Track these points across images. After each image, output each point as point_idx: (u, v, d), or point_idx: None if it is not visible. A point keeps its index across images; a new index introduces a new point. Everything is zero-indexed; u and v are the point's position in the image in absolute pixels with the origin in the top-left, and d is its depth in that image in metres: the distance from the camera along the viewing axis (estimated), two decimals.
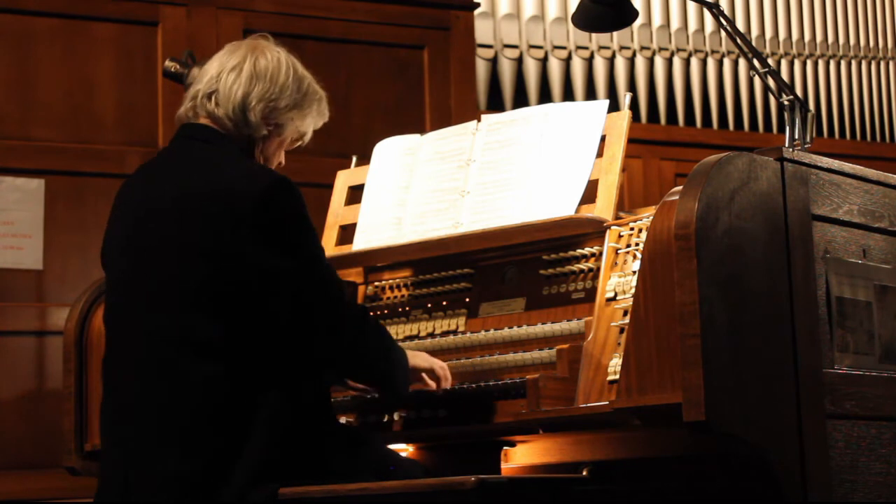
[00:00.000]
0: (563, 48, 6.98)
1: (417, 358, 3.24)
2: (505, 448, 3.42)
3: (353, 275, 3.90)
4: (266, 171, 3.05)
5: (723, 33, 7.29)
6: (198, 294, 2.91)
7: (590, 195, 3.48)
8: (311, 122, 3.21)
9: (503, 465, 3.42)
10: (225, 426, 2.87)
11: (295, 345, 2.98)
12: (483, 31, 6.73)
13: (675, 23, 7.33)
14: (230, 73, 3.09)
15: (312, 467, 2.95)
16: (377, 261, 3.83)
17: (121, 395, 3.00)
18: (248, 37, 3.24)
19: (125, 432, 2.97)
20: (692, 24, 7.37)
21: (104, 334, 3.16)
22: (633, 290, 3.08)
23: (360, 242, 3.83)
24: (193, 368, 2.88)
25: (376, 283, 3.87)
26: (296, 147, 3.26)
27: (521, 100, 6.78)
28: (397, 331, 3.72)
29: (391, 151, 3.91)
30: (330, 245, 3.93)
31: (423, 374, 3.24)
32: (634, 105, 6.29)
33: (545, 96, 6.89)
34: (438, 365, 3.27)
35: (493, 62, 6.85)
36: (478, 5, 6.09)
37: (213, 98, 3.08)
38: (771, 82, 3.50)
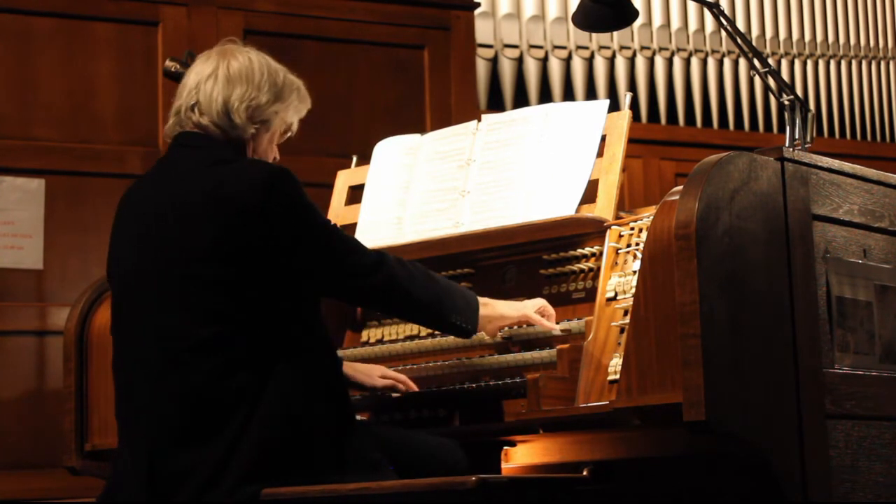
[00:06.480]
0: (564, 48, 6.98)
1: (501, 307, 3.31)
2: (505, 448, 3.41)
3: None
4: (261, 164, 3.12)
5: (723, 33, 7.29)
6: (206, 291, 2.96)
7: (590, 195, 3.48)
8: (294, 111, 3.25)
9: (504, 465, 3.41)
10: (236, 415, 2.92)
11: (307, 330, 3.04)
12: (483, 30, 6.72)
13: (676, 23, 7.32)
14: (207, 82, 3.14)
15: (325, 455, 2.98)
16: None
17: (136, 396, 3.05)
18: (247, 38, 3.26)
19: (144, 430, 3.00)
20: (692, 24, 7.36)
21: (107, 336, 3.22)
22: (633, 290, 3.08)
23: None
24: (203, 363, 2.94)
25: None
26: (286, 139, 3.28)
27: (521, 100, 6.78)
28: (398, 330, 3.72)
29: (391, 151, 3.91)
30: None
31: (531, 315, 3.32)
32: (635, 105, 6.28)
33: (545, 96, 6.89)
34: (534, 308, 3.33)
35: (494, 62, 6.84)
36: (478, 5, 6.09)
37: (196, 109, 3.14)
38: (771, 82, 3.50)
